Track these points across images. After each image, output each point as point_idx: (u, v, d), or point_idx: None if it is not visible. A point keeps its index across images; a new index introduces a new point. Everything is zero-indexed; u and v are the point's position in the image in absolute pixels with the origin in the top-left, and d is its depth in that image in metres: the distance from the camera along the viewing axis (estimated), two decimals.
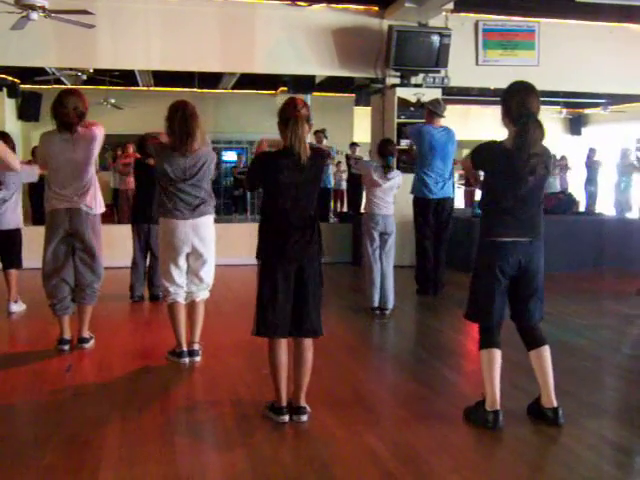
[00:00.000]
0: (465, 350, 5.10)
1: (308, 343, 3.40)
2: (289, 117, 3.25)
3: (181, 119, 4.16)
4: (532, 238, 3.35)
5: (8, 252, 5.88)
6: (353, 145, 12.90)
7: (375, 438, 3.22)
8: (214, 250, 4.46)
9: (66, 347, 4.68)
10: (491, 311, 3.36)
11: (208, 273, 4.46)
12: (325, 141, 10.48)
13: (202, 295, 4.48)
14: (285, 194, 3.29)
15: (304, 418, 3.39)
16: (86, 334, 4.77)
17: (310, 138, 10.51)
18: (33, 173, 5.89)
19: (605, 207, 13.16)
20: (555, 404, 3.37)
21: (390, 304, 5.92)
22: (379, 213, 5.80)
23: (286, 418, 3.37)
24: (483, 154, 3.46)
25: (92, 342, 4.81)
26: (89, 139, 4.53)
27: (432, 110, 6.79)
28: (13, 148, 5.82)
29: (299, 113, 3.25)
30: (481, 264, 3.43)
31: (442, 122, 6.81)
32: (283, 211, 3.30)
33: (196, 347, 4.48)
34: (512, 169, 3.27)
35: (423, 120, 7.20)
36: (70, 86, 11.25)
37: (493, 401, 3.33)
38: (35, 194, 10.08)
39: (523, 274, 3.36)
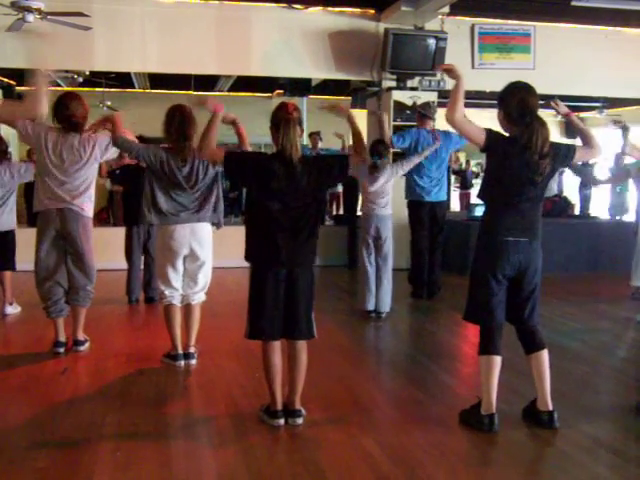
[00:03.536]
0: (461, 353, 5.10)
1: (302, 345, 3.40)
2: (280, 120, 3.25)
3: (179, 123, 4.17)
4: (531, 238, 3.31)
5: (2, 254, 5.87)
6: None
7: (370, 441, 3.21)
8: (211, 253, 4.45)
9: (61, 350, 4.66)
10: (491, 310, 3.31)
11: (205, 276, 4.45)
12: (320, 143, 10.47)
13: (198, 298, 4.46)
14: (275, 199, 3.25)
15: (299, 421, 3.38)
16: (81, 337, 4.76)
17: (305, 141, 10.50)
18: (29, 171, 5.84)
19: (600, 210, 13.19)
20: (550, 407, 3.37)
21: (385, 308, 5.90)
22: (373, 214, 5.80)
23: (281, 422, 3.36)
24: (499, 137, 3.28)
25: (87, 345, 4.80)
26: (91, 144, 4.53)
27: (422, 113, 6.81)
28: (6, 150, 5.81)
29: (290, 116, 3.24)
30: (481, 262, 3.37)
31: (431, 124, 6.79)
32: (273, 215, 3.26)
33: (192, 350, 4.47)
34: (523, 168, 3.20)
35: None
36: (67, 88, 11.24)
37: (489, 405, 3.33)
38: (30, 195, 10.06)
39: (522, 275, 3.32)
